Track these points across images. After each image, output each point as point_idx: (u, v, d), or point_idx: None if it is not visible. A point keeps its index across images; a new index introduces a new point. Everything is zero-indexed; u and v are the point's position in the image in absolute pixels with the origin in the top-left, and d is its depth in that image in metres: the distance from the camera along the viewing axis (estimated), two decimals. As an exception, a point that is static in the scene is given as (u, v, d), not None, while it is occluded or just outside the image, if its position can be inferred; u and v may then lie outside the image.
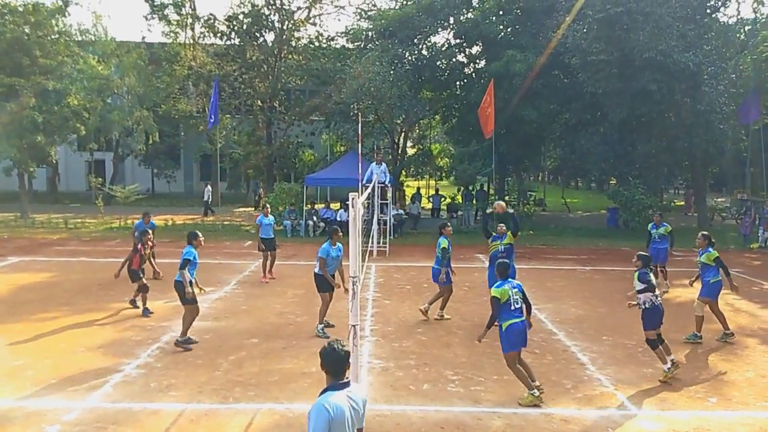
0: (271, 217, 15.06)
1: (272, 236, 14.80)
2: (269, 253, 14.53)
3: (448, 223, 11.83)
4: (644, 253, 8.70)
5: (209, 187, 30.86)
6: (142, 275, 11.41)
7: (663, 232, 13.68)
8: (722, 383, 8.30)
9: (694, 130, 23.37)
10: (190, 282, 9.14)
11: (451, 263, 11.04)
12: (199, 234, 9.52)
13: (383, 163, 19.87)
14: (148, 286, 11.39)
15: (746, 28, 30.47)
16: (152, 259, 12.34)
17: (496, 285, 7.48)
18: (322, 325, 10.03)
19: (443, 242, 10.91)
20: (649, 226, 14.08)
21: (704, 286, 10.02)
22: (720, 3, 25.22)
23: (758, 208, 23.99)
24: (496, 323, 7.42)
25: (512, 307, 7.31)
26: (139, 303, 11.32)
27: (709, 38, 23.71)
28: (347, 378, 3.83)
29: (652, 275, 8.41)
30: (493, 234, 10.93)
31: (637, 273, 8.41)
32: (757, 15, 31.07)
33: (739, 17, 31.46)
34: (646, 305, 8.27)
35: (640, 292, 8.31)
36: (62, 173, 40.91)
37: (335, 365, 3.77)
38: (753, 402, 7.68)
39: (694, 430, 6.81)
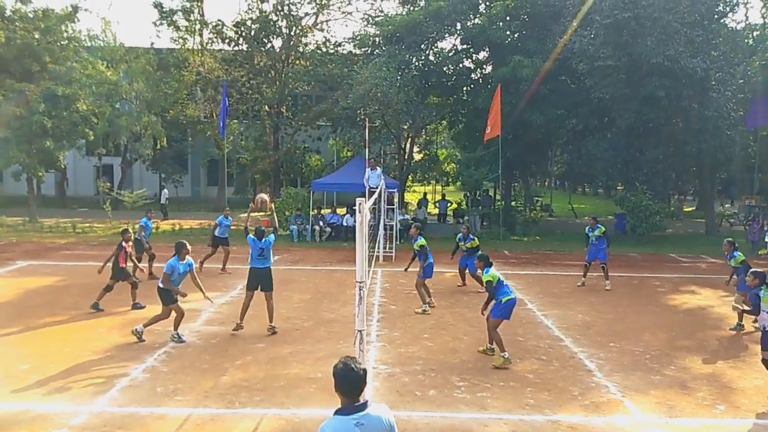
0: (230, 219, 16.38)
1: (227, 236, 16.10)
2: (223, 248, 15.87)
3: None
4: (760, 270, 8.51)
5: (166, 190, 31.35)
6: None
7: (599, 234, 14.77)
8: (731, 390, 8.25)
9: (701, 135, 23.28)
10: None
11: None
12: (186, 244, 9.89)
13: (377, 168, 19.96)
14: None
15: (755, 33, 30.37)
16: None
17: (485, 271, 9.17)
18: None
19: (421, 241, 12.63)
20: (586, 229, 15.28)
21: (742, 282, 11.27)
22: (728, 8, 25.14)
23: (766, 215, 23.84)
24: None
25: (504, 283, 9.10)
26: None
27: (717, 44, 23.64)
28: (363, 400, 3.46)
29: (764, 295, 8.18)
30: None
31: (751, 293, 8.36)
32: (765, 20, 30.96)
33: (747, 22, 31.32)
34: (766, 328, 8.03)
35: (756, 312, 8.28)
36: (71, 178, 41.18)
37: (346, 386, 3.43)
38: (761, 410, 7.61)
39: (703, 438, 6.76)
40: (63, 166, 30.87)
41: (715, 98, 22.65)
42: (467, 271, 14.27)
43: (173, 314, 9.75)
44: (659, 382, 8.45)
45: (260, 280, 10.25)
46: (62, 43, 27.18)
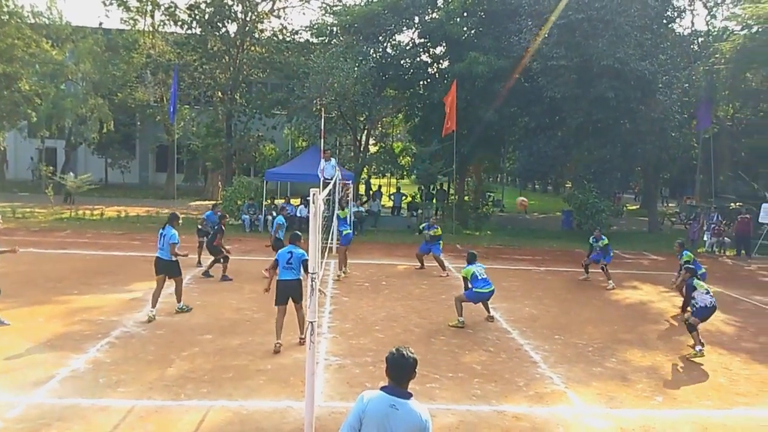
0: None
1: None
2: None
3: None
4: (691, 266, 10.75)
5: (72, 174, 30.24)
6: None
7: (602, 245, 15.24)
8: (668, 382, 8.59)
9: (647, 136, 24.02)
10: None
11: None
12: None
13: (332, 159, 19.91)
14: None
15: (699, 39, 31.51)
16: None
17: (465, 266, 11.06)
18: None
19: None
20: (591, 239, 15.69)
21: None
22: (676, 14, 25.99)
23: (706, 215, 24.87)
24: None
25: (479, 278, 10.73)
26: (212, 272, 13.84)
27: (664, 48, 24.40)
28: (407, 390, 3.77)
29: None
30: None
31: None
32: (709, 28, 32.18)
33: (693, 29, 32.45)
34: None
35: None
36: (11, 160, 39.38)
37: (395, 371, 3.78)
38: (696, 401, 7.97)
39: (641, 428, 7.02)
40: (2, 148, 29.50)
41: (662, 101, 23.38)
42: (432, 254, 15.80)
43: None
44: (601, 374, 8.73)
45: (290, 292, 9.14)
46: (3, 18, 25.89)
